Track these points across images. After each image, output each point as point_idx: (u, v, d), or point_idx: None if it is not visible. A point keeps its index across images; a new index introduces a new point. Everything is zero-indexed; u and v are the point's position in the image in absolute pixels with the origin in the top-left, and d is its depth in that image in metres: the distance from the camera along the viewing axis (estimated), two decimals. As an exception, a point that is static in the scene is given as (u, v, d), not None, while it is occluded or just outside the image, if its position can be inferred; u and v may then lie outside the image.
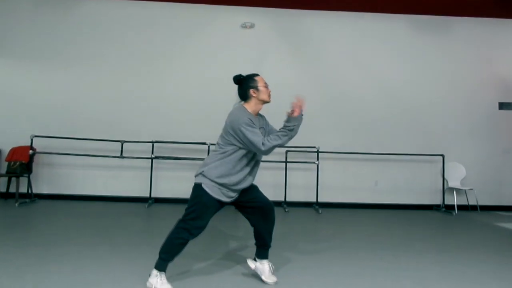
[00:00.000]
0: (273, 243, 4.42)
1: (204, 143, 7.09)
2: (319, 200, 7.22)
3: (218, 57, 7.59)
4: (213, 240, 4.45)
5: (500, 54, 8.04)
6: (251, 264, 3.21)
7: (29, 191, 6.90)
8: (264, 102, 3.12)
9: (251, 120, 2.96)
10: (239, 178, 2.95)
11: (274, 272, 3.23)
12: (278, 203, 7.35)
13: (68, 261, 3.45)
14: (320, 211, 6.82)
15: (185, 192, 7.22)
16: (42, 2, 7.55)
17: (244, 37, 7.73)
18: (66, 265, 3.31)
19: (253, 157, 3.01)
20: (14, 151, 6.99)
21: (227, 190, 2.93)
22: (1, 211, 6.03)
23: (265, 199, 3.17)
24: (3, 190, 7.11)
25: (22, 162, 6.86)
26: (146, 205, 6.85)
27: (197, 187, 2.92)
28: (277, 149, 7.23)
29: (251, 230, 3.20)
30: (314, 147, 7.24)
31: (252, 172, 3.07)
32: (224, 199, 2.93)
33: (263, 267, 3.15)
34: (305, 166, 7.43)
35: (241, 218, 3.87)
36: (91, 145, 7.16)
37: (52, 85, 7.42)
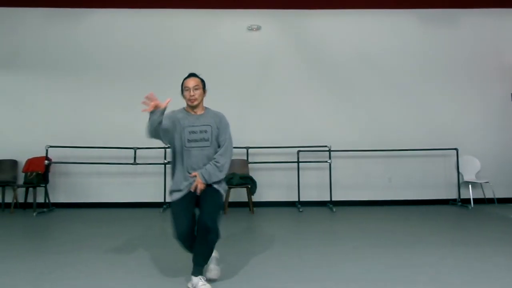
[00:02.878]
0: (289, 243, 4.46)
1: (216, 147, 7.15)
2: (332, 199, 7.21)
3: (226, 60, 7.65)
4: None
5: (511, 45, 7.94)
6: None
7: (47, 201, 7.03)
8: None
9: (172, 113, 3.15)
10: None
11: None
12: (292, 203, 7.37)
13: (85, 267, 3.51)
14: (334, 210, 6.81)
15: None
16: (52, 14, 7.70)
17: (251, 39, 7.77)
18: (83, 272, 3.37)
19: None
20: (30, 162, 7.13)
21: None
22: (20, 220, 6.15)
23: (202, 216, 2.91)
24: (22, 200, 7.26)
25: (39, 172, 6.99)
26: (161, 210, 6.92)
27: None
28: (289, 150, 7.27)
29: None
30: (326, 146, 7.24)
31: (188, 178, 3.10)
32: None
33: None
34: (318, 165, 7.43)
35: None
36: (104, 153, 7.27)
37: (64, 95, 7.56)
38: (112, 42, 7.70)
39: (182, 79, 3.19)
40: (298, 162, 7.25)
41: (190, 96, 3.08)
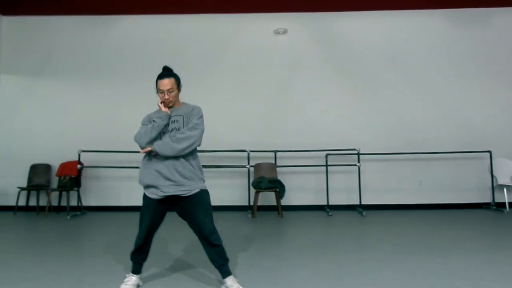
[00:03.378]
0: (323, 247, 4.43)
1: (244, 150, 7.18)
2: (362, 203, 7.13)
3: (253, 64, 7.68)
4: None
5: (546, 43, 7.72)
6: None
7: (79, 204, 7.18)
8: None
9: (147, 117, 3.06)
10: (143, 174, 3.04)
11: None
12: (321, 207, 7.32)
13: (123, 270, 3.57)
14: (364, 214, 6.74)
15: (232, 199, 7.34)
16: (82, 21, 7.88)
17: (277, 43, 7.78)
18: (121, 275, 3.43)
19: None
20: (64, 166, 7.30)
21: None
22: (55, 224, 6.30)
23: (198, 227, 2.94)
24: (55, 203, 7.43)
25: (71, 176, 7.15)
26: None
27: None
28: (317, 153, 7.23)
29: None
30: (355, 149, 7.18)
31: (161, 170, 2.93)
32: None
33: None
34: (346, 169, 7.37)
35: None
36: (135, 157, 7.38)
37: (95, 101, 7.72)
38: (142, 47, 7.83)
39: (156, 78, 3.06)
40: (326, 165, 7.21)
41: (165, 99, 3.00)
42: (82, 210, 7.22)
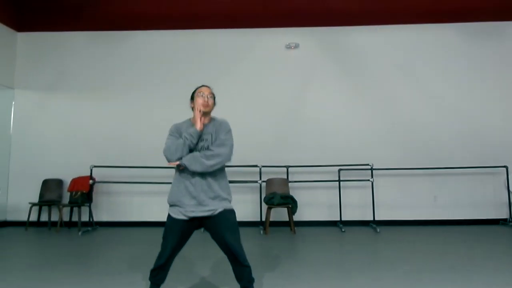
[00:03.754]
0: (337, 265, 4.34)
1: (256, 166, 7.13)
2: (376, 218, 7.02)
3: (264, 79, 7.67)
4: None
5: (562, 57, 7.62)
6: None
7: (90, 220, 7.16)
8: (200, 110, 2.99)
9: (175, 128, 3.06)
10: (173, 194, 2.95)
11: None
12: (334, 223, 7.23)
13: (135, 290, 3.52)
14: (378, 230, 6.62)
15: (243, 215, 7.28)
16: (95, 36, 7.96)
17: (289, 57, 7.77)
18: (133, 295, 3.37)
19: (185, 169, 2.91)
20: (75, 181, 7.31)
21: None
22: (66, 240, 6.27)
23: (226, 247, 2.90)
24: (66, 219, 7.42)
25: (83, 191, 7.14)
26: (202, 230, 6.91)
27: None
28: (330, 168, 7.16)
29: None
30: (368, 165, 7.09)
31: (189, 188, 2.89)
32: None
33: None
34: (360, 184, 7.28)
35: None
36: (146, 173, 7.37)
37: (107, 116, 7.75)
38: (153, 63, 7.86)
39: (194, 90, 3.12)
40: (339, 180, 7.13)
41: (204, 101, 2.99)
42: (93, 225, 7.19)
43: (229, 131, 3.00)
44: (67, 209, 7.43)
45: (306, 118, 7.57)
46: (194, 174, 2.86)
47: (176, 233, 2.90)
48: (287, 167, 7.27)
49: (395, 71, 7.65)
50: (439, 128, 7.48)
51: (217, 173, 2.93)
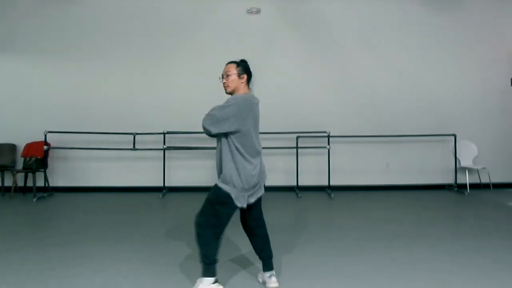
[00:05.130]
0: (291, 233, 4.51)
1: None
2: (331, 184, 7.25)
3: (224, 45, 7.54)
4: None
5: (513, 29, 7.88)
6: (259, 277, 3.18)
7: (46, 185, 7.04)
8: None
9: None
10: None
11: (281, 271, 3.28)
12: (291, 188, 7.42)
13: (89, 262, 3.55)
14: (332, 196, 6.87)
15: (198, 180, 7.34)
16: (46, -4, 7.53)
17: (250, 23, 7.65)
18: (88, 267, 3.41)
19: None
20: (29, 146, 7.11)
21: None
22: (20, 206, 6.18)
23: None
24: (21, 184, 7.26)
25: (37, 157, 6.97)
26: (161, 194, 6.96)
27: None
28: (288, 135, 7.24)
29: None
30: (325, 132, 7.24)
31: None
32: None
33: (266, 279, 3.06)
34: (316, 151, 7.45)
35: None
36: (104, 138, 7.25)
37: (62, 80, 7.48)
38: (108, 26, 7.56)
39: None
40: (297, 147, 7.27)
41: (223, 84, 3.04)
42: (49, 191, 7.08)
43: (225, 106, 2.84)
44: (21, 174, 7.25)
45: (265, 85, 7.55)
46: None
47: None
48: (246, 133, 7.31)
49: (355, 40, 7.70)
50: (395, 98, 7.68)
51: (225, 154, 2.88)
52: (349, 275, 3.25)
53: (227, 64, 3.07)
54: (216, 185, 2.90)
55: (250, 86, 3.11)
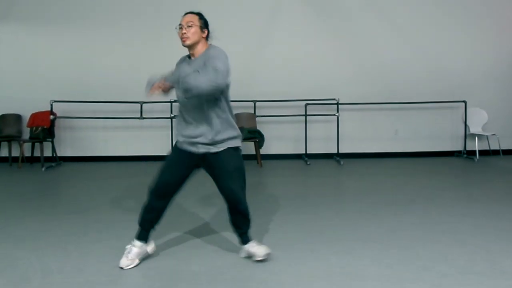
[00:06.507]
0: (304, 199, 4.49)
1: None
2: (339, 151, 7.21)
3: (230, 11, 7.33)
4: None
5: (526, -8, 7.67)
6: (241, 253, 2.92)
7: (54, 155, 7.00)
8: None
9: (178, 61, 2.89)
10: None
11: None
12: (299, 156, 7.38)
13: (105, 228, 3.54)
14: (342, 163, 6.83)
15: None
16: (47, -40, 7.29)
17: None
18: (104, 233, 3.40)
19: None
20: (35, 116, 7.02)
21: None
22: (30, 176, 6.16)
23: (227, 191, 2.78)
24: (28, 154, 7.22)
25: (44, 127, 6.89)
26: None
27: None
28: (297, 103, 7.14)
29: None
30: (334, 99, 7.15)
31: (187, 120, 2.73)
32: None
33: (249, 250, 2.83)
34: (325, 118, 7.37)
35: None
36: (110, 107, 7.15)
37: (67, 49, 7.32)
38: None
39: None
40: (305, 115, 7.19)
41: (182, 34, 2.65)
42: (57, 161, 7.04)
43: (219, 55, 2.63)
44: (28, 144, 7.20)
45: (274, 52, 7.40)
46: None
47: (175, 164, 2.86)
48: (255, 101, 7.22)
49: (365, 7, 7.49)
50: (404, 64, 7.52)
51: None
52: (367, 238, 3.23)
53: (186, 13, 2.74)
54: (231, 149, 2.75)
55: (209, 42, 2.80)
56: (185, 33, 2.65)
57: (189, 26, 2.66)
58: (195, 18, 2.70)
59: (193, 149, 2.72)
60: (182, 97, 2.70)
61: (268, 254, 2.76)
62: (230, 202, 2.80)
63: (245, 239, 2.84)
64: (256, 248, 2.79)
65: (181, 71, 2.73)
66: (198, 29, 2.69)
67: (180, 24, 2.70)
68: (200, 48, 2.73)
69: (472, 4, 7.58)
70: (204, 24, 2.75)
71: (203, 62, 2.63)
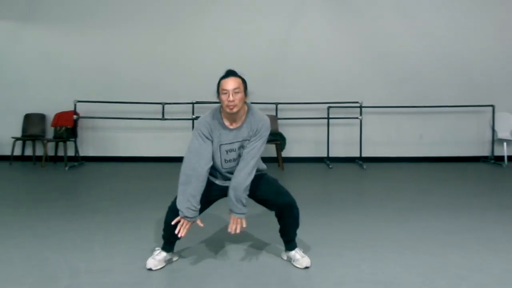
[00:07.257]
0: (325, 203, 4.43)
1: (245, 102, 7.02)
2: (362, 155, 7.10)
3: (251, 12, 7.32)
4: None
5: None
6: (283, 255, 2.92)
7: (76, 155, 7.07)
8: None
9: (204, 129, 2.57)
10: None
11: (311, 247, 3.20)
12: (320, 159, 7.30)
13: (129, 229, 3.52)
14: (364, 167, 6.73)
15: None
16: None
17: (281, -12, 7.40)
18: (128, 235, 3.38)
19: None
20: (59, 116, 7.13)
21: None
22: (53, 175, 6.22)
23: (280, 199, 2.79)
24: (52, 154, 7.30)
25: (67, 127, 6.98)
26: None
27: None
28: (319, 106, 7.09)
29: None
30: (357, 102, 7.05)
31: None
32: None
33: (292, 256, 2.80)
34: (348, 122, 7.28)
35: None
36: (132, 108, 7.19)
37: (90, 49, 7.40)
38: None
39: (219, 79, 2.57)
40: (328, 118, 7.10)
41: (229, 102, 2.45)
42: (79, 160, 7.11)
43: (264, 132, 2.64)
44: (52, 144, 7.28)
45: (295, 54, 7.35)
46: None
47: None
48: (276, 104, 7.18)
49: (388, 7, 7.38)
50: (429, 66, 7.39)
51: None
52: (397, 244, 3.13)
53: (230, 77, 2.53)
54: (263, 173, 2.92)
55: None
56: (232, 100, 2.46)
57: (236, 92, 2.48)
58: (240, 83, 2.53)
59: (225, 184, 2.72)
60: (221, 166, 2.67)
61: (308, 267, 2.72)
62: (285, 209, 2.79)
63: (293, 245, 2.82)
64: (299, 256, 2.76)
65: (223, 139, 2.60)
66: (244, 96, 2.54)
67: (224, 90, 2.48)
68: (241, 114, 2.59)
69: (500, 6, 7.40)
70: (246, 89, 2.59)
71: (247, 133, 2.60)
